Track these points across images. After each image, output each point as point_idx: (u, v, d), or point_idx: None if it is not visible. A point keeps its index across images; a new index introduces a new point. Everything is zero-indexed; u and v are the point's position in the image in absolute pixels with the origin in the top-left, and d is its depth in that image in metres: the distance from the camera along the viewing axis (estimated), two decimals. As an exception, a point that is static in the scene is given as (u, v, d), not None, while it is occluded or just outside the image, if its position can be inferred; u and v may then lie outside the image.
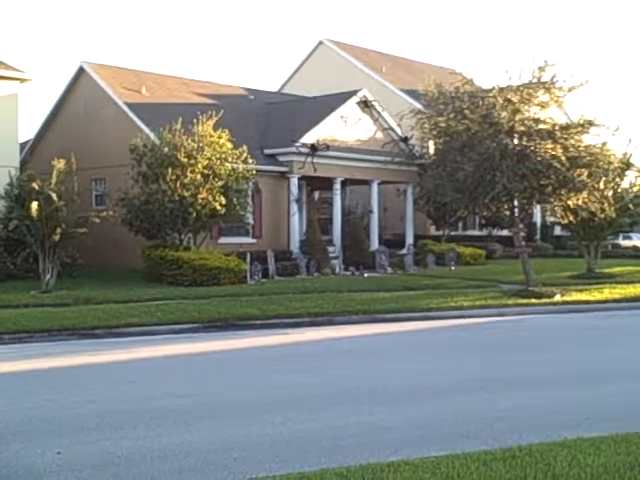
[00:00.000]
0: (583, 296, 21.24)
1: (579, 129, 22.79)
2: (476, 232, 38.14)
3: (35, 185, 21.96)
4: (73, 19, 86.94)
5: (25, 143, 31.75)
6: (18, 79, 25.86)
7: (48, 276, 21.53)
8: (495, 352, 13.52)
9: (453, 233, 34.85)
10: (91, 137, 28.94)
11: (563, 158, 21.64)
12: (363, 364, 12.31)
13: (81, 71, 30.19)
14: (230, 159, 24.78)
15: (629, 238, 40.90)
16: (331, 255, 28.52)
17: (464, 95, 23.39)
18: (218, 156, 24.46)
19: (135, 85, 29.79)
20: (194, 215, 23.63)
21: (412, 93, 35.66)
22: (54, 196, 21.63)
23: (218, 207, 23.82)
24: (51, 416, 8.66)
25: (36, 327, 15.27)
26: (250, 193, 27.20)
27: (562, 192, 22.73)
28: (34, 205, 21.27)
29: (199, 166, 23.87)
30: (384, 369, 11.82)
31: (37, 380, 11.04)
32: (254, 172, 25.78)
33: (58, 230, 21.46)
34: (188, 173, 23.62)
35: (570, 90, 22.95)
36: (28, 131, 65.44)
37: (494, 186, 21.99)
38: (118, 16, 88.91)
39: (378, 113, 31.59)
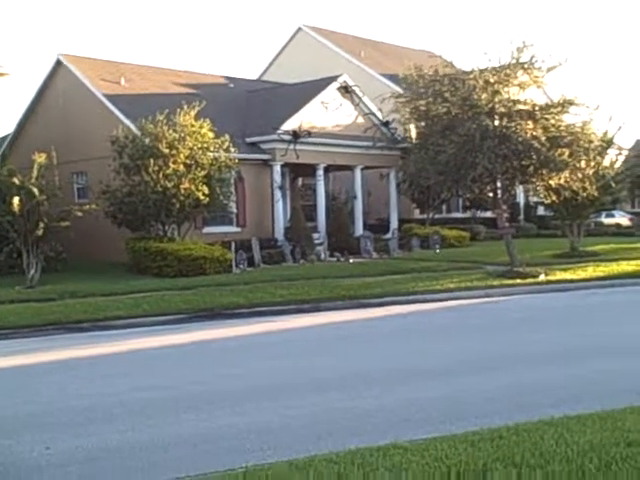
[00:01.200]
0: (567, 275, 21.36)
1: (559, 109, 22.81)
2: (460, 214, 38.21)
3: (16, 180, 21.79)
4: (50, 11, 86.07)
5: (4, 138, 31.52)
6: (-5, 73, 25.67)
7: (32, 271, 21.41)
8: (481, 333, 13.59)
9: (437, 216, 34.90)
10: (71, 130, 28.72)
11: (543, 138, 21.70)
12: (350, 349, 12.34)
13: (58, 64, 29.89)
14: (212, 148, 24.68)
15: (611, 216, 41.15)
16: (316, 242, 28.49)
17: (444, 78, 23.34)
18: (200, 146, 24.35)
19: (114, 76, 29.55)
20: (177, 206, 23.54)
21: (392, 77, 35.57)
22: (35, 191, 21.48)
23: (201, 197, 23.74)
24: (40, 411, 8.63)
25: (22, 323, 15.20)
26: (233, 182, 27.11)
27: (544, 172, 22.77)
28: (15, 200, 21.12)
29: (181, 156, 23.76)
30: (371, 353, 11.86)
31: (24, 376, 11.00)
32: (236, 161, 25.69)
33: (41, 225, 21.34)
34: (170, 164, 23.49)
35: (549, 70, 22.95)
36: (7, 125, 64.87)
37: (476, 167, 22.00)
38: (95, 7, 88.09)
39: (359, 98, 31.51)
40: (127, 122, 25.90)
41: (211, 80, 34.13)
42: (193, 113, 24.54)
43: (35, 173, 22.10)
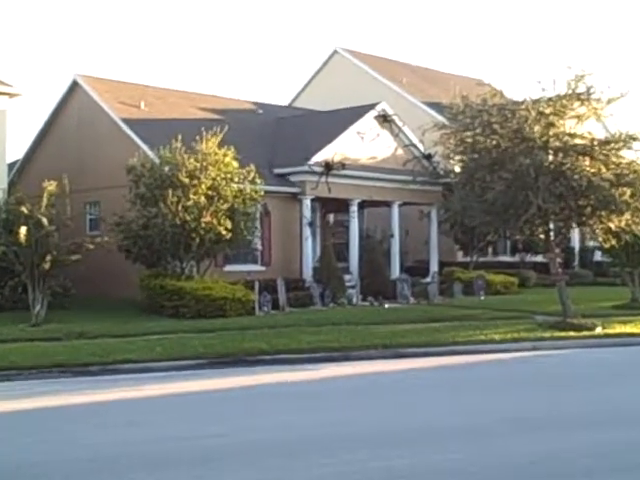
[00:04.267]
0: (627, 328, 21.10)
1: (620, 144, 22.81)
2: (508, 258, 38.01)
3: (24, 209, 22.13)
4: (67, 29, 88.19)
5: (14, 163, 32.09)
6: (6, 94, 26.19)
7: (38, 307, 21.65)
8: (529, 390, 13.48)
9: (482, 259, 34.78)
10: (85, 157, 29.25)
11: (608, 174, 21.69)
12: (382, 403, 12.31)
13: (75, 85, 30.56)
14: (236, 179, 24.96)
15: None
16: (348, 284, 28.51)
17: (493, 108, 23.46)
18: (223, 176, 24.63)
19: (133, 100, 30.13)
20: (197, 241, 23.76)
21: (435, 106, 35.83)
22: (45, 220, 21.81)
23: (223, 232, 23.92)
24: (41, 460, 8.72)
25: (25, 364, 15.34)
26: (258, 216, 27.35)
27: (602, 213, 22.67)
28: (23, 230, 21.44)
29: (202, 187, 24.03)
30: (405, 409, 11.82)
31: (26, 421, 11.11)
32: (262, 193, 25.93)
33: (49, 257, 21.60)
34: (190, 195, 23.78)
35: (609, 102, 23.00)
36: (17, 150, 66.14)
37: (527, 207, 21.99)
38: (116, 26, 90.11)
39: (398, 128, 31.74)
40: (145, 148, 26.34)
41: (238, 105, 34.64)
42: (217, 140, 24.88)
43: (45, 202, 22.45)
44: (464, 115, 23.94)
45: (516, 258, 37.60)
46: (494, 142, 23.04)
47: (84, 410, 11.93)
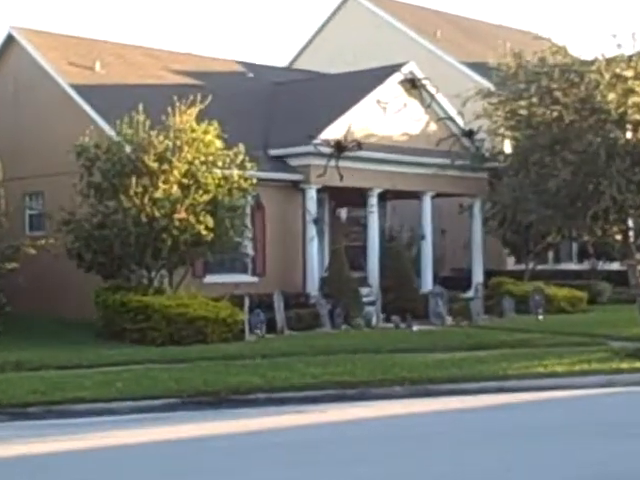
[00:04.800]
0: None
1: None
2: (574, 266, 37.95)
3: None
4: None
5: None
6: None
7: (-38, 331, 21.66)
8: (602, 441, 13.39)
9: (540, 267, 34.73)
10: (23, 134, 29.22)
11: None
12: (408, 457, 12.24)
13: (10, 41, 30.54)
14: (220, 163, 25.05)
15: None
16: (365, 299, 28.54)
17: (554, 70, 23.43)
18: (203, 159, 24.73)
19: (86, 59, 30.12)
20: (169, 243, 23.78)
21: (479, 67, 35.77)
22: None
23: (203, 231, 23.97)
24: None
25: (-55, 404, 15.33)
26: (249, 212, 27.43)
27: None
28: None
29: (176, 174, 24.11)
30: (440, 466, 11.74)
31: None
32: (254, 181, 25.94)
33: (-25, 266, 21.63)
34: (160, 184, 23.84)
35: None
36: None
37: (599, 199, 21.93)
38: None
39: (431, 96, 31.73)
40: (101, 123, 26.43)
41: (222, 67, 34.73)
42: (194, 112, 24.90)
43: (-30, 194, 22.51)
44: (516, 79, 23.92)
45: (585, 266, 37.55)
46: (555, 114, 23.03)
47: (23, 465, 11.88)
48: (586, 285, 34.19)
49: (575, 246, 37.46)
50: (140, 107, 24.60)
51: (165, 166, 24.07)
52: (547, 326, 26.66)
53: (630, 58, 22.94)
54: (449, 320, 28.49)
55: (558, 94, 22.93)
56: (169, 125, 24.62)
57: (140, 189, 23.60)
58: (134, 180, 23.61)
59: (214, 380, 17.43)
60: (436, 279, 32.23)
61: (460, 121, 31.65)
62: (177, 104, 24.85)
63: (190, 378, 17.57)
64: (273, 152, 29.39)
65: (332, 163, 28.87)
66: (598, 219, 22.97)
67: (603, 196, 21.83)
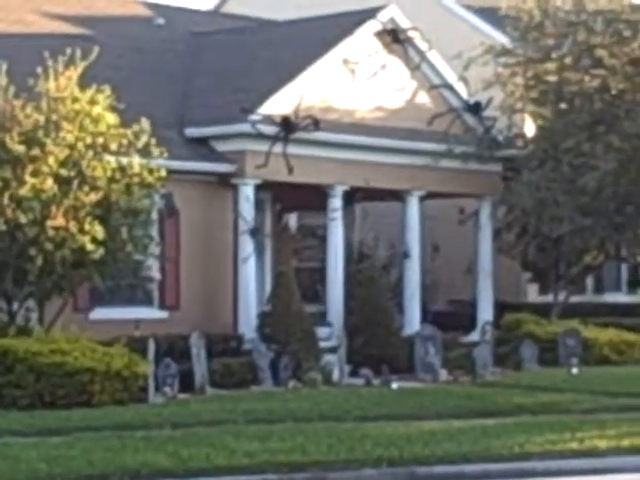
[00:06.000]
0: None
1: None
2: (623, 297, 38.14)
3: None
4: None
5: None
6: None
7: None
8: None
9: (576, 300, 34.79)
10: None
11: None
12: None
13: None
14: (115, 147, 24.87)
15: None
16: (323, 345, 28.51)
17: (595, 19, 23.53)
18: (90, 141, 24.56)
19: None
20: (39, 262, 23.51)
21: (489, 15, 35.79)
22: None
23: (89, 245, 23.75)
24: None
25: None
26: (157, 217, 27.33)
27: None
28: None
29: (51, 162, 23.90)
30: None
31: None
32: (164, 174, 25.72)
33: None
34: (28, 176, 23.63)
35: None
36: None
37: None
38: None
39: (421, 55, 31.68)
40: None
41: (119, 9, 34.69)
42: (76, 74, 24.75)
43: None
44: (542, 32, 23.97)
45: (638, 298, 37.63)
46: (598, 82, 23.10)
47: None
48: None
49: (625, 270, 37.56)
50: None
51: (35, 151, 23.84)
52: (584, 383, 26.63)
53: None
54: (444, 375, 28.44)
55: (602, 53, 23.02)
56: (40, 92, 24.44)
57: (-1, 183, 23.53)
58: (-12, 171, 23.55)
59: (103, 460, 17.12)
60: (426, 316, 32.26)
61: (462, 91, 31.60)
62: (52, 62, 24.63)
63: (68, 457, 17.27)
64: (192, 132, 29.26)
65: (277, 149, 28.75)
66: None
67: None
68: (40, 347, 23.31)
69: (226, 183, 29.06)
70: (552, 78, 24.04)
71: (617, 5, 24.43)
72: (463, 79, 30.51)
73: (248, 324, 28.55)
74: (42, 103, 24.29)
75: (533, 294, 35.53)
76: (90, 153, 24.44)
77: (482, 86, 27.76)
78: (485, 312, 32.97)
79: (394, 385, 26.54)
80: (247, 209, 28.99)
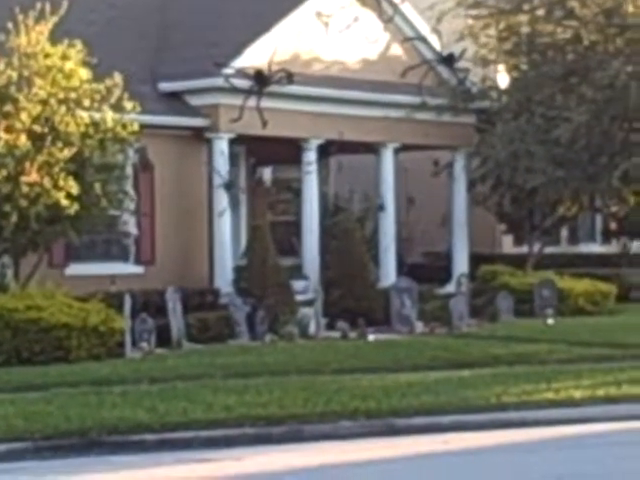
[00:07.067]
0: None
1: None
2: (597, 248, 38.23)
3: None
4: None
5: None
6: None
7: None
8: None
9: (550, 251, 34.88)
10: None
11: None
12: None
13: None
14: (88, 102, 24.96)
15: None
16: (300, 298, 28.56)
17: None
18: (62, 97, 24.60)
19: None
20: (14, 219, 23.61)
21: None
22: None
23: (64, 201, 23.85)
24: None
25: None
26: (131, 172, 27.32)
27: None
28: None
29: (24, 118, 23.94)
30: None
31: None
32: (138, 128, 25.80)
33: None
34: (1, 133, 23.68)
35: None
36: None
37: (631, 152, 22.03)
38: None
39: (394, 7, 31.63)
40: None
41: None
42: (47, 29, 24.74)
43: None
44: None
45: (613, 248, 37.75)
46: (570, 33, 23.06)
47: None
48: (615, 275, 34.39)
49: (599, 220, 37.59)
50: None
51: (7, 107, 23.96)
52: (559, 334, 26.81)
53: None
54: (420, 327, 28.57)
55: (574, 4, 22.99)
56: (11, 48, 24.39)
57: (-32, 142, 23.42)
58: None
59: (81, 415, 17.28)
60: (401, 268, 32.32)
61: (436, 43, 31.54)
62: (22, 17, 24.55)
63: (46, 413, 17.45)
64: (165, 86, 29.31)
65: (251, 102, 28.82)
66: (629, 182, 23.09)
67: (637, 148, 21.94)
68: (16, 303, 23.49)
69: (200, 137, 29.10)
70: (525, 30, 23.96)
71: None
72: (436, 31, 30.51)
73: (224, 278, 28.65)
74: (14, 59, 24.23)
75: (508, 245, 35.62)
76: (63, 109, 24.53)
77: (455, 38, 27.69)
78: (460, 264, 33.11)
79: (370, 337, 26.68)
80: (221, 163, 29.07)
